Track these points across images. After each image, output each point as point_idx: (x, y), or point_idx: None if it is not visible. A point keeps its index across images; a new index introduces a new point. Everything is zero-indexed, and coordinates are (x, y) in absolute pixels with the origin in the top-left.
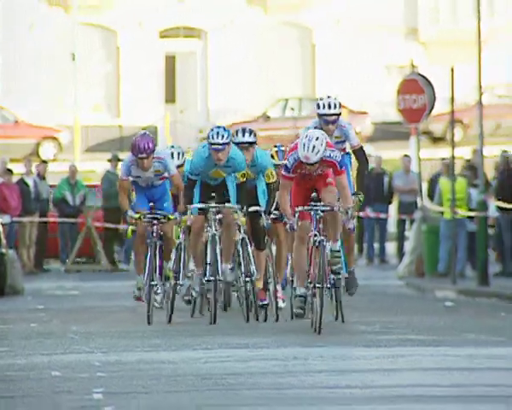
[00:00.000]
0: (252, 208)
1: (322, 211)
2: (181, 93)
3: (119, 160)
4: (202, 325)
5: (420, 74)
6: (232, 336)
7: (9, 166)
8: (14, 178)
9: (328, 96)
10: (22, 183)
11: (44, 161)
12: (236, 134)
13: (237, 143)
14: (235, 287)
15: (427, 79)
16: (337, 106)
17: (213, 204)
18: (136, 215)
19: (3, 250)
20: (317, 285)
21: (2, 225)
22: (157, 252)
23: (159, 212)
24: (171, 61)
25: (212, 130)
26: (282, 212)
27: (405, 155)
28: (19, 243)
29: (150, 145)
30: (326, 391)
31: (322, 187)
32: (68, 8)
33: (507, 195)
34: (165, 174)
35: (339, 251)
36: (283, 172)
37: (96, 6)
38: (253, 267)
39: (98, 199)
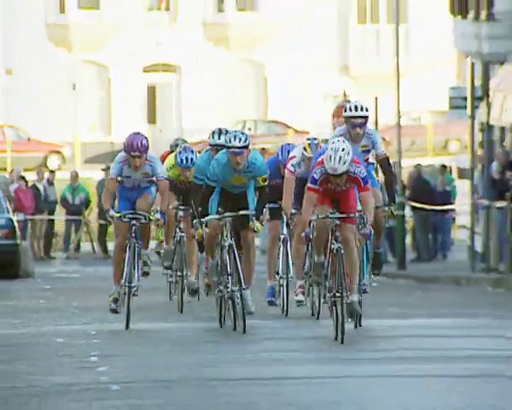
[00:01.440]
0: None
1: (338, 218)
2: (160, 116)
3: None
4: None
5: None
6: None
7: (23, 174)
8: (26, 183)
9: (355, 101)
10: (34, 187)
11: (52, 171)
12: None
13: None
14: (221, 292)
15: None
16: (364, 108)
17: (228, 213)
18: (117, 214)
19: (18, 241)
20: (337, 294)
21: (18, 221)
22: (135, 253)
23: (139, 212)
24: (152, 91)
25: (230, 133)
26: (304, 222)
27: None
28: (31, 236)
29: (144, 143)
30: None
31: (345, 205)
32: (71, 49)
33: (418, 197)
34: (153, 178)
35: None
36: (309, 185)
37: (92, 47)
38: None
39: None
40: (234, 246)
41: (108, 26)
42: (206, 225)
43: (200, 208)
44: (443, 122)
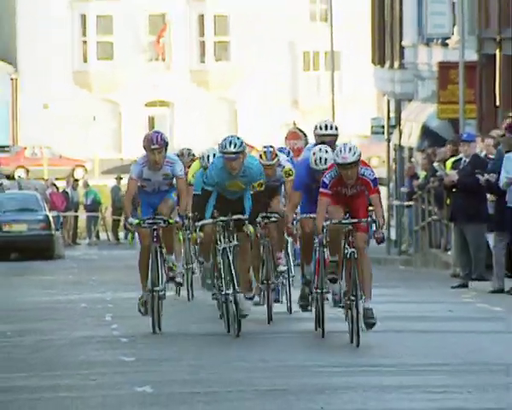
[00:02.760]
0: (234, 217)
1: (352, 224)
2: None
3: (121, 178)
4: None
5: (299, 128)
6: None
7: (55, 182)
8: (57, 189)
9: (325, 120)
10: (64, 192)
11: (76, 180)
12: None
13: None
14: (215, 296)
15: (302, 132)
16: (333, 127)
17: (221, 218)
18: (136, 221)
19: (53, 232)
20: (352, 298)
21: (52, 217)
22: (158, 258)
23: (158, 217)
24: (151, 121)
25: (225, 139)
26: (317, 227)
27: None
28: (62, 228)
29: (163, 137)
30: None
31: (356, 211)
32: (91, 90)
33: None
34: (173, 180)
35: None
36: (321, 189)
37: (107, 89)
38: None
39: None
40: (228, 250)
41: (119, 72)
42: (201, 230)
43: (196, 213)
44: (366, 143)
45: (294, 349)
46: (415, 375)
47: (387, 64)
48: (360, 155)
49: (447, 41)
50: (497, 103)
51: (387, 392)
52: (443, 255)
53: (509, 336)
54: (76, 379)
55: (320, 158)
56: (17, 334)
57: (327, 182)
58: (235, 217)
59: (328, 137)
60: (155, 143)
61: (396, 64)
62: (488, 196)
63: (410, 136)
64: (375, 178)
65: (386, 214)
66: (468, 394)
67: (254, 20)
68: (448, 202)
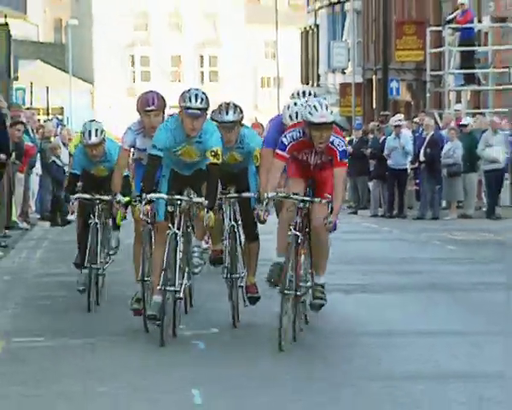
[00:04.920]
0: (244, 194)
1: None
2: None
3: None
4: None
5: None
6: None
7: None
8: None
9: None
10: None
11: None
12: (219, 112)
13: (220, 122)
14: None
15: (261, 124)
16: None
17: (178, 197)
18: (126, 198)
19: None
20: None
21: None
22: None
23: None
24: None
25: (188, 91)
26: (260, 194)
27: None
28: None
29: (160, 97)
30: None
31: (320, 185)
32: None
33: None
34: None
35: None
36: (277, 150)
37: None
38: (239, 265)
39: None
40: (179, 235)
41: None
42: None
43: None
44: None
45: None
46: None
47: (310, 83)
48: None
49: (345, 70)
50: (374, 106)
51: None
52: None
53: (381, 238)
54: None
55: (296, 113)
56: None
57: (286, 143)
58: (196, 200)
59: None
60: (151, 104)
61: (315, 83)
62: (371, 160)
63: None
64: (345, 150)
65: None
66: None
67: (231, 56)
68: None
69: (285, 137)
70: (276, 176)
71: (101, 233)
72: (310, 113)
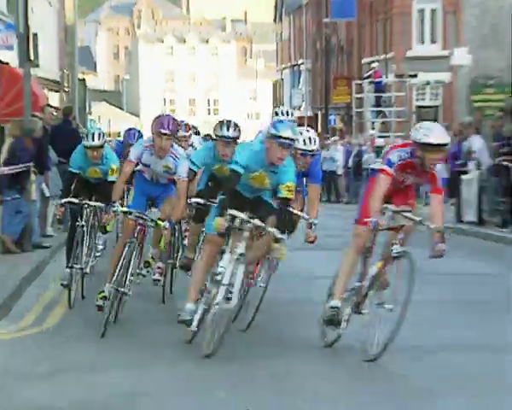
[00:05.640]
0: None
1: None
2: None
3: None
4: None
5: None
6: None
7: None
8: None
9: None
10: None
11: None
12: (221, 127)
13: (220, 137)
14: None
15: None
16: (291, 114)
17: (257, 222)
18: (124, 208)
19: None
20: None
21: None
22: (133, 256)
23: (147, 215)
24: None
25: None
26: (370, 210)
27: None
28: None
29: (175, 123)
30: None
31: (400, 202)
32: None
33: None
34: (175, 176)
35: None
36: (385, 167)
37: None
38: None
39: None
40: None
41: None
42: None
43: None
44: None
45: None
46: None
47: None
48: None
49: (300, 108)
50: (319, 132)
51: None
52: None
53: None
54: None
55: (310, 138)
56: None
57: (394, 162)
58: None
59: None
60: (166, 128)
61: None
62: None
63: None
64: (442, 178)
65: None
66: None
67: (228, 99)
68: None
69: (392, 155)
70: (382, 194)
71: (88, 236)
72: (425, 134)
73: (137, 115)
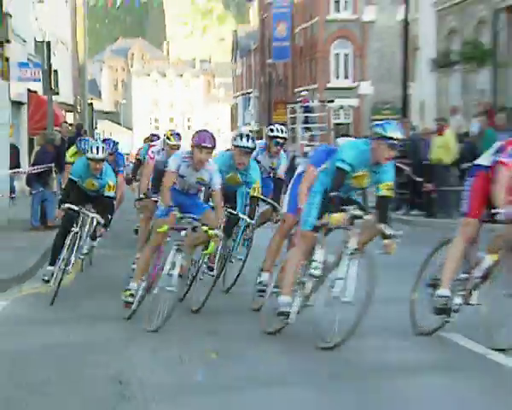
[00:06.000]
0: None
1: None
2: None
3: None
4: None
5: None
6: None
7: None
8: None
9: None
10: None
11: None
12: (241, 139)
13: (240, 147)
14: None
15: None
16: (284, 131)
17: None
18: (179, 214)
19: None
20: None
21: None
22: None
23: (194, 217)
24: None
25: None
26: (498, 200)
27: None
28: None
29: (214, 139)
30: None
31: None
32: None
33: None
34: (208, 186)
35: None
36: (505, 160)
37: None
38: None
39: None
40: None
41: None
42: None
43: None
44: None
45: None
46: None
47: (234, 130)
48: None
49: (250, 123)
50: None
51: None
52: None
53: None
54: None
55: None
56: None
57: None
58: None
59: (281, 140)
60: (208, 143)
61: (237, 131)
62: None
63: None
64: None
65: None
66: None
67: (198, 120)
68: None
69: (509, 151)
70: (506, 186)
71: (79, 242)
72: None
73: (131, 129)
